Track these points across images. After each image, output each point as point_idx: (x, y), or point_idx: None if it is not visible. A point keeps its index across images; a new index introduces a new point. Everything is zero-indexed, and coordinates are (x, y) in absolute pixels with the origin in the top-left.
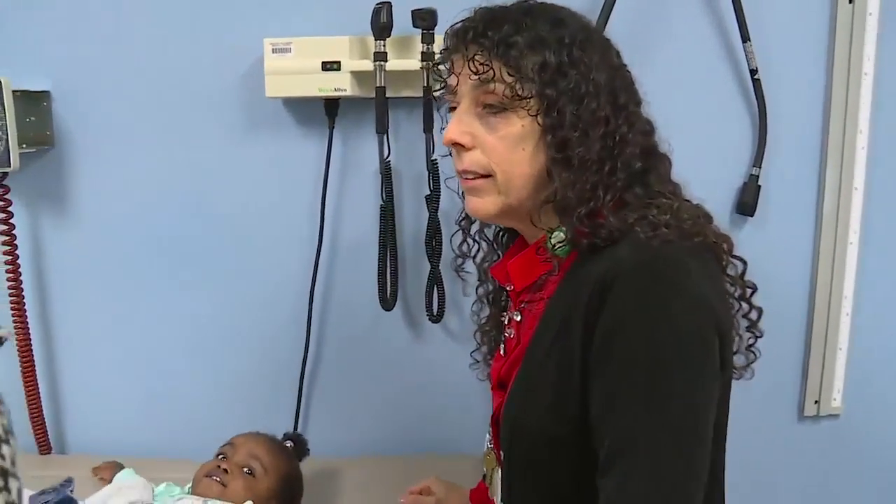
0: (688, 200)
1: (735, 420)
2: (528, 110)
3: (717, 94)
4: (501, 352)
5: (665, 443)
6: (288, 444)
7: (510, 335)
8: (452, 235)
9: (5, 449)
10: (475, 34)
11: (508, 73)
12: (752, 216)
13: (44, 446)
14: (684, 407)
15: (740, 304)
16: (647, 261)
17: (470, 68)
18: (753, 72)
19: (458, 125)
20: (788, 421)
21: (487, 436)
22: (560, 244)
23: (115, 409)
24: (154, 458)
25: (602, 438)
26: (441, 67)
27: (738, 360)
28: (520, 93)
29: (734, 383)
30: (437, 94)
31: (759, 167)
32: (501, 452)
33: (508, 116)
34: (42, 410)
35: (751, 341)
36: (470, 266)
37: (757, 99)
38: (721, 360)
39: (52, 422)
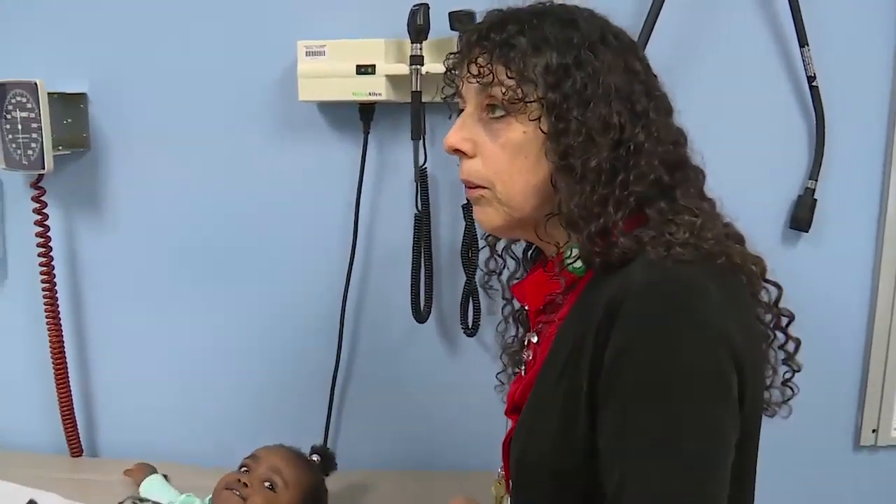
0: (720, 218)
1: (787, 449)
2: (530, 115)
3: (771, 101)
4: (522, 373)
5: (675, 484)
6: (314, 458)
7: (528, 357)
8: (479, 250)
9: None
10: (479, 36)
11: (508, 76)
12: (806, 232)
13: (75, 449)
14: (695, 446)
15: (775, 335)
16: (656, 282)
17: (471, 71)
18: (811, 78)
19: (460, 131)
20: (843, 450)
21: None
22: (572, 261)
23: (146, 413)
24: (184, 464)
25: (609, 475)
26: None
27: (773, 395)
28: (521, 96)
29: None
30: (445, 99)
31: (816, 180)
32: (511, 481)
33: (510, 122)
34: (74, 413)
35: (787, 375)
36: (498, 283)
37: (814, 107)
38: (741, 397)
39: (84, 424)
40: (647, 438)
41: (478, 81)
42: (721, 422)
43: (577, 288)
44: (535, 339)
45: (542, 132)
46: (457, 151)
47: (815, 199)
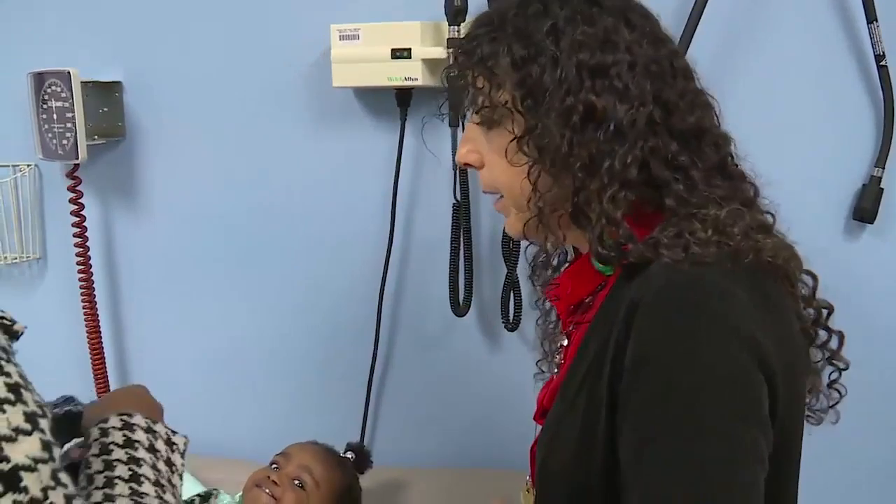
0: (748, 198)
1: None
2: (508, 117)
3: (834, 82)
4: (554, 376)
5: (700, 502)
6: (348, 455)
7: (560, 360)
8: (528, 245)
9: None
10: (458, 46)
11: (480, 84)
12: (871, 223)
13: None
14: (722, 461)
15: (816, 332)
16: (674, 283)
17: (452, 83)
18: (880, 57)
19: (465, 144)
20: None
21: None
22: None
23: (182, 404)
24: (219, 458)
25: (630, 493)
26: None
27: (819, 401)
28: (496, 100)
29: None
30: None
31: (883, 168)
32: (535, 490)
33: (499, 129)
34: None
35: (833, 376)
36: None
37: (882, 89)
38: (772, 408)
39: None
40: (667, 454)
41: (464, 94)
42: (750, 434)
43: (605, 288)
44: (564, 342)
45: (512, 132)
46: (467, 165)
47: (882, 189)
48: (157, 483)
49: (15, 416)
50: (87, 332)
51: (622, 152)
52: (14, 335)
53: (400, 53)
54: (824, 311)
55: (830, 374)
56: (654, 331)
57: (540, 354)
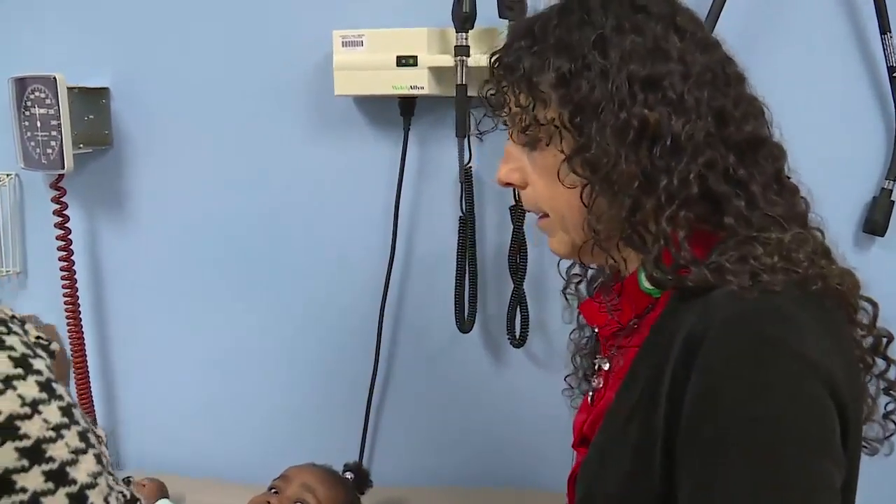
0: (805, 228)
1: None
2: (554, 136)
3: (845, 93)
4: (589, 401)
5: None
6: (348, 476)
7: (598, 385)
8: (560, 260)
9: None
10: (496, 61)
11: (521, 101)
12: (882, 236)
13: None
14: (799, 494)
15: (874, 360)
16: (744, 313)
17: (491, 102)
18: (892, 69)
19: (507, 163)
20: None
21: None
22: (646, 284)
23: (172, 423)
24: (212, 479)
25: None
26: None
27: (871, 430)
28: (539, 118)
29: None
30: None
31: (894, 180)
32: None
33: (542, 148)
34: (96, 422)
35: (890, 407)
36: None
37: (894, 101)
38: (843, 438)
39: (107, 434)
40: (743, 488)
41: (505, 112)
42: (825, 467)
43: (654, 310)
44: (606, 366)
45: (561, 152)
46: (509, 184)
47: (893, 202)
48: None
49: (73, 438)
50: (72, 350)
51: (681, 168)
52: (51, 355)
53: (405, 61)
54: (884, 340)
55: (886, 406)
56: (725, 363)
57: (571, 369)
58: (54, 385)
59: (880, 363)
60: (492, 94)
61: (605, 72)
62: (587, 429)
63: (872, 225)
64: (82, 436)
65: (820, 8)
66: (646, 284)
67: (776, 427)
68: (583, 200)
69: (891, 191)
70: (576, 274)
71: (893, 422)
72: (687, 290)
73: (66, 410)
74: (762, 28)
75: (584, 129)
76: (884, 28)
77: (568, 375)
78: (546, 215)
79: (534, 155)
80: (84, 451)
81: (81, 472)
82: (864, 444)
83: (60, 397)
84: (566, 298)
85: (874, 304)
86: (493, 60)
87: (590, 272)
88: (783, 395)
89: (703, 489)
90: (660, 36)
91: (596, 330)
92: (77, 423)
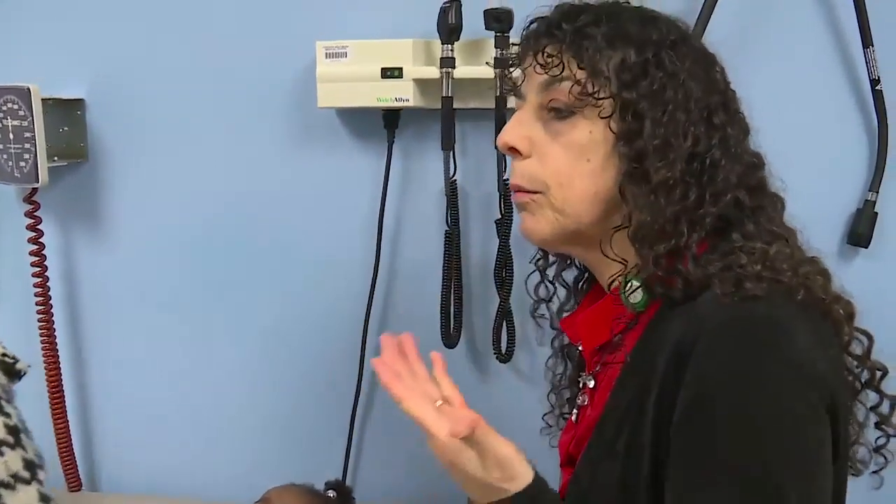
0: (802, 250)
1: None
2: (601, 113)
3: (828, 106)
4: (573, 419)
5: None
6: (330, 494)
7: (583, 402)
8: (528, 276)
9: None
10: (548, 25)
11: (580, 68)
12: (866, 248)
13: (73, 482)
14: (796, 500)
15: (862, 385)
16: (736, 319)
17: (538, 61)
18: (875, 82)
19: (517, 127)
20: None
21: None
22: (630, 294)
23: (150, 444)
24: (190, 498)
25: None
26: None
27: (860, 453)
28: (591, 92)
29: None
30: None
31: (877, 192)
32: None
33: (576, 121)
34: (72, 444)
35: (881, 441)
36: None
37: (877, 113)
38: (835, 444)
39: (83, 456)
40: (736, 496)
41: (546, 73)
42: (820, 475)
43: (637, 326)
44: (591, 384)
45: (612, 132)
46: (511, 150)
47: (876, 213)
48: None
49: (14, 461)
50: (46, 368)
51: (713, 186)
52: (16, 375)
53: (390, 73)
54: (878, 373)
55: (877, 440)
56: (716, 372)
57: (551, 404)
58: (3, 403)
59: (872, 396)
60: (550, 54)
61: (676, 74)
62: (573, 448)
63: (856, 236)
64: (28, 465)
65: (803, 22)
66: (631, 299)
67: (772, 434)
68: (617, 187)
69: (874, 202)
70: (543, 298)
71: (884, 456)
72: (673, 301)
73: (12, 430)
74: (746, 42)
75: (644, 118)
76: (866, 42)
77: (545, 414)
78: (537, 192)
79: (557, 126)
80: (27, 482)
81: (16, 502)
82: (850, 464)
83: (7, 415)
84: (535, 320)
85: (869, 337)
86: (544, 21)
87: (560, 291)
88: (779, 401)
89: (696, 498)
90: (708, 66)
91: (580, 347)
92: (24, 448)
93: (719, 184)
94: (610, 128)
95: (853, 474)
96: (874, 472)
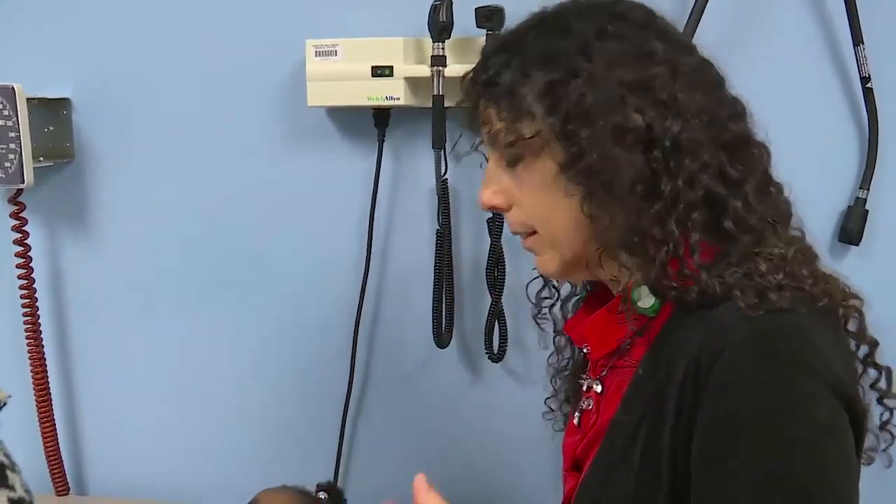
0: (787, 229)
1: None
2: (541, 149)
3: (819, 104)
4: (575, 422)
5: None
6: (321, 496)
7: (588, 406)
8: (529, 283)
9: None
10: (470, 82)
11: (504, 114)
12: (857, 245)
13: (61, 487)
14: None
15: (865, 369)
16: (763, 332)
17: (473, 120)
18: (865, 80)
19: (488, 186)
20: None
21: None
22: (640, 299)
23: (138, 447)
24: (180, 502)
25: None
26: None
27: (870, 440)
28: (521, 136)
29: None
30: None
31: (867, 189)
32: None
33: (529, 163)
34: (59, 447)
35: (885, 417)
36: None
37: (867, 111)
38: (857, 449)
39: (71, 460)
40: None
41: (484, 129)
42: (851, 486)
43: (650, 329)
44: (598, 389)
45: (556, 163)
46: (493, 207)
47: (867, 210)
48: None
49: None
50: (32, 371)
51: (683, 170)
52: None
53: (381, 71)
54: (873, 348)
55: (882, 415)
56: (744, 385)
57: (550, 392)
58: None
59: (871, 373)
60: (470, 115)
61: (593, 77)
62: (579, 452)
63: (848, 234)
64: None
65: (794, 20)
66: (641, 304)
67: (804, 447)
68: (583, 211)
69: (865, 199)
70: (545, 297)
71: (890, 433)
72: (688, 306)
73: None
74: (737, 39)
75: (577, 136)
76: (857, 39)
77: (548, 398)
78: (533, 233)
79: (519, 172)
80: None
81: None
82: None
83: None
84: (537, 324)
85: (860, 313)
86: (468, 80)
87: (562, 292)
88: (807, 415)
89: None
90: (642, 40)
91: (585, 351)
92: (12, 487)
93: (690, 165)
94: (552, 159)
95: (865, 463)
96: (883, 449)
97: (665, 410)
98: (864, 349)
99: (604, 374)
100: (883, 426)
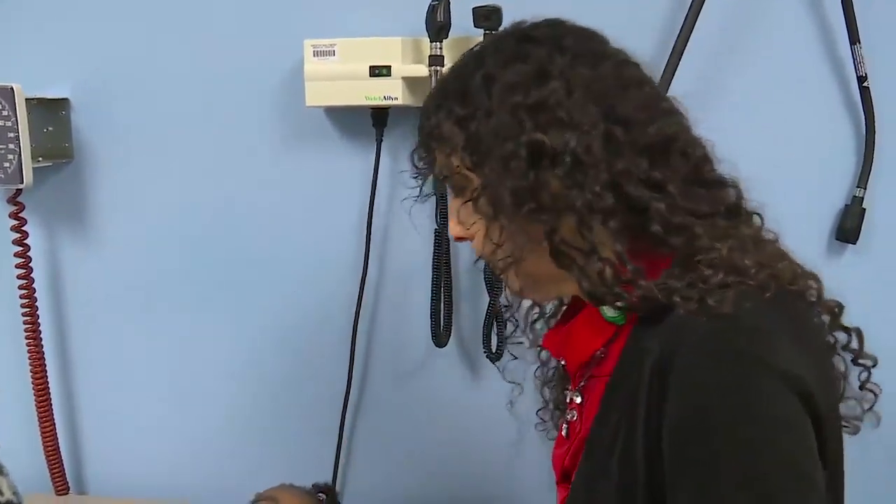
0: (739, 217)
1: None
2: (468, 178)
3: (816, 103)
4: (563, 433)
5: None
6: (320, 497)
7: (572, 418)
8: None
9: None
10: (418, 126)
11: (437, 156)
12: (854, 244)
13: (60, 486)
14: None
15: (834, 338)
16: (712, 333)
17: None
18: (862, 79)
19: (453, 219)
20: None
21: None
22: (607, 310)
23: (138, 447)
24: (179, 502)
25: None
26: None
27: (850, 409)
28: (454, 166)
29: None
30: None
31: (864, 188)
32: None
33: (469, 194)
34: (59, 447)
35: (863, 377)
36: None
37: (864, 110)
38: (821, 447)
39: (70, 460)
40: None
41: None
42: (814, 483)
43: (619, 338)
44: (578, 399)
45: (479, 189)
46: (459, 238)
47: (864, 209)
48: None
49: None
50: (32, 371)
51: (589, 181)
52: None
53: (379, 71)
54: (839, 310)
55: (860, 375)
56: (701, 387)
57: (540, 403)
58: None
59: (841, 336)
60: (421, 158)
61: (488, 108)
62: (568, 463)
63: (845, 233)
64: None
65: (791, 19)
66: (608, 313)
67: (766, 446)
68: (489, 237)
69: (862, 198)
70: (534, 313)
71: (871, 391)
72: (647, 316)
73: None
74: (735, 38)
75: (482, 167)
76: (853, 38)
77: (539, 409)
78: (498, 259)
79: (469, 205)
80: None
81: None
82: (843, 423)
83: None
84: (528, 339)
85: (849, 333)
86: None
87: (548, 308)
88: (765, 413)
89: None
90: (544, 58)
91: (563, 362)
92: (0, 492)
93: (596, 175)
94: (476, 186)
95: (850, 433)
96: (868, 409)
97: (636, 416)
98: (827, 317)
99: (582, 384)
100: (862, 386)
